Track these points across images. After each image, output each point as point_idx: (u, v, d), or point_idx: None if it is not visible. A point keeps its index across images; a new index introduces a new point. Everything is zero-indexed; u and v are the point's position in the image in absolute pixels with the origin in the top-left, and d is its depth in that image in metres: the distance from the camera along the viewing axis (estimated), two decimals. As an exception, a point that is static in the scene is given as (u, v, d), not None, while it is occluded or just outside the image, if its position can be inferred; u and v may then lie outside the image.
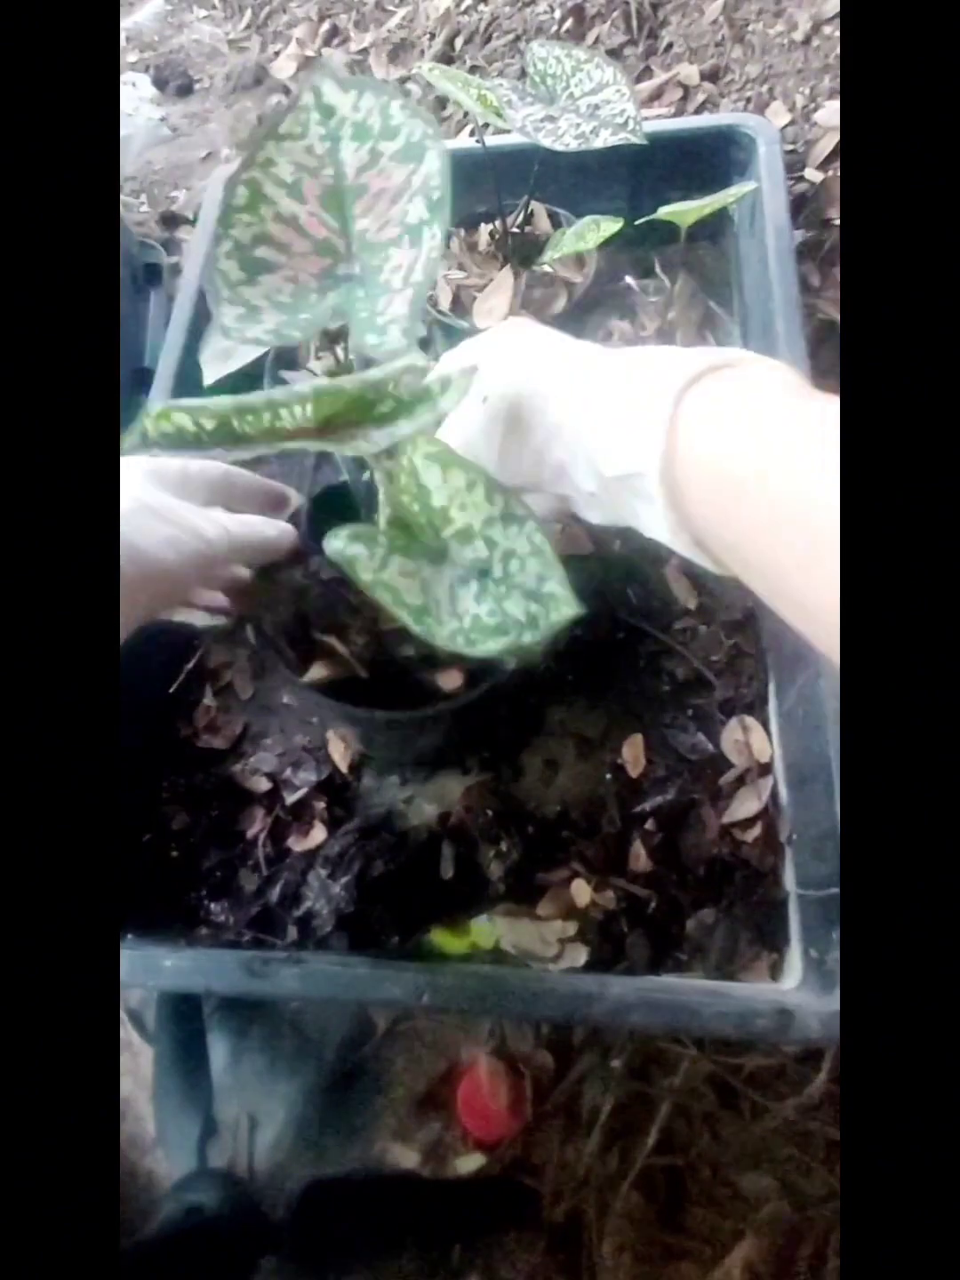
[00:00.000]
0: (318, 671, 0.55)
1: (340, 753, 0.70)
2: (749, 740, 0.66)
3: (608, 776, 0.67)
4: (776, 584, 0.36)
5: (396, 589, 0.41)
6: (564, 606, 0.40)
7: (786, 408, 0.36)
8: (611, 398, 0.42)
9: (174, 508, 0.45)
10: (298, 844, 0.68)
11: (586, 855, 0.64)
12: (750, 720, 0.67)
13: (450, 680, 0.56)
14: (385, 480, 0.44)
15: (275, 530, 0.51)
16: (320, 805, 0.69)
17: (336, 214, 0.45)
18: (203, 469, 0.49)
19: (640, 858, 0.63)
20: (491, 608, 0.41)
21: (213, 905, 0.67)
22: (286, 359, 0.75)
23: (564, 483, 0.47)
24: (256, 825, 0.69)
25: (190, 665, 0.76)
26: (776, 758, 0.65)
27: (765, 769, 0.65)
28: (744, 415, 0.36)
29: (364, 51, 1.17)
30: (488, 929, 0.62)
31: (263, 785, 0.70)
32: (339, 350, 0.72)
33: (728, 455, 0.36)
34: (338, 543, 0.41)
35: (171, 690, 0.75)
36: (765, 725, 0.67)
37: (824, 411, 0.34)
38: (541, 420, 0.45)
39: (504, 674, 0.54)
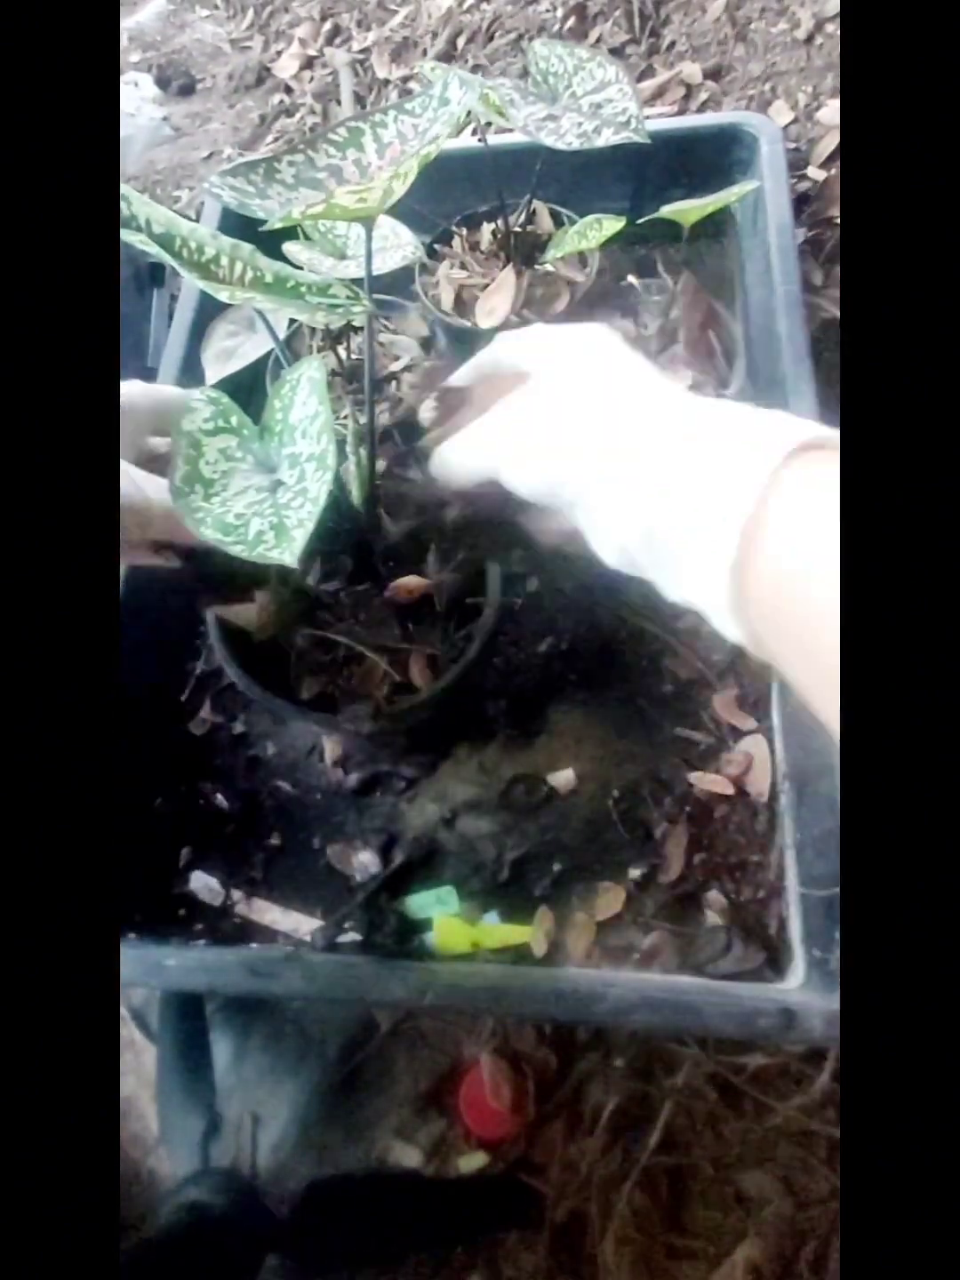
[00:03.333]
0: (308, 689, 0.56)
1: (333, 755, 0.70)
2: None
3: (611, 776, 0.67)
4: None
5: (200, 449, 0.43)
6: (286, 552, 0.39)
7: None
8: (663, 516, 0.36)
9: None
10: (302, 845, 0.68)
11: (587, 854, 0.64)
12: (753, 719, 0.67)
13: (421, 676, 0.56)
14: (276, 379, 0.46)
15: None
16: (323, 806, 0.69)
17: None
18: (142, 396, 0.51)
19: (643, 858, 0.63)
20: (243, 513, 0.41)
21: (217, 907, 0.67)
22: (290, 359, 0.75)
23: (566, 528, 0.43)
24: (260, 827, 0.69)
25: (197, 667, 0.76)
26: (779, 756, 0.65)
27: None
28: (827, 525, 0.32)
29: (366, 51, 1.17)
30: (507, 930, 0.62)
31: (266, 787, 0.71)
32: (341, 351, 0.72)
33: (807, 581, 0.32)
34: (195, 394, 0.44)
35: (182, 697, 0.75)
36: (768, 724, 0.67)
37: None
38: (569, 488, 0.41)
39: (459, 673, 0.55)
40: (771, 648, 0.35)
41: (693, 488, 0.36)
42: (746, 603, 0.34)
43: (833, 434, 0.34)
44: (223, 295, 0.42)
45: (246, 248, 0.46)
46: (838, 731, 0.29)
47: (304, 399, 0.43)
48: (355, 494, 0.54)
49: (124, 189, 0.43)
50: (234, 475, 0.43)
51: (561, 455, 0.41)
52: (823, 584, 0.31)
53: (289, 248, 0.61)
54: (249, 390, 0.75)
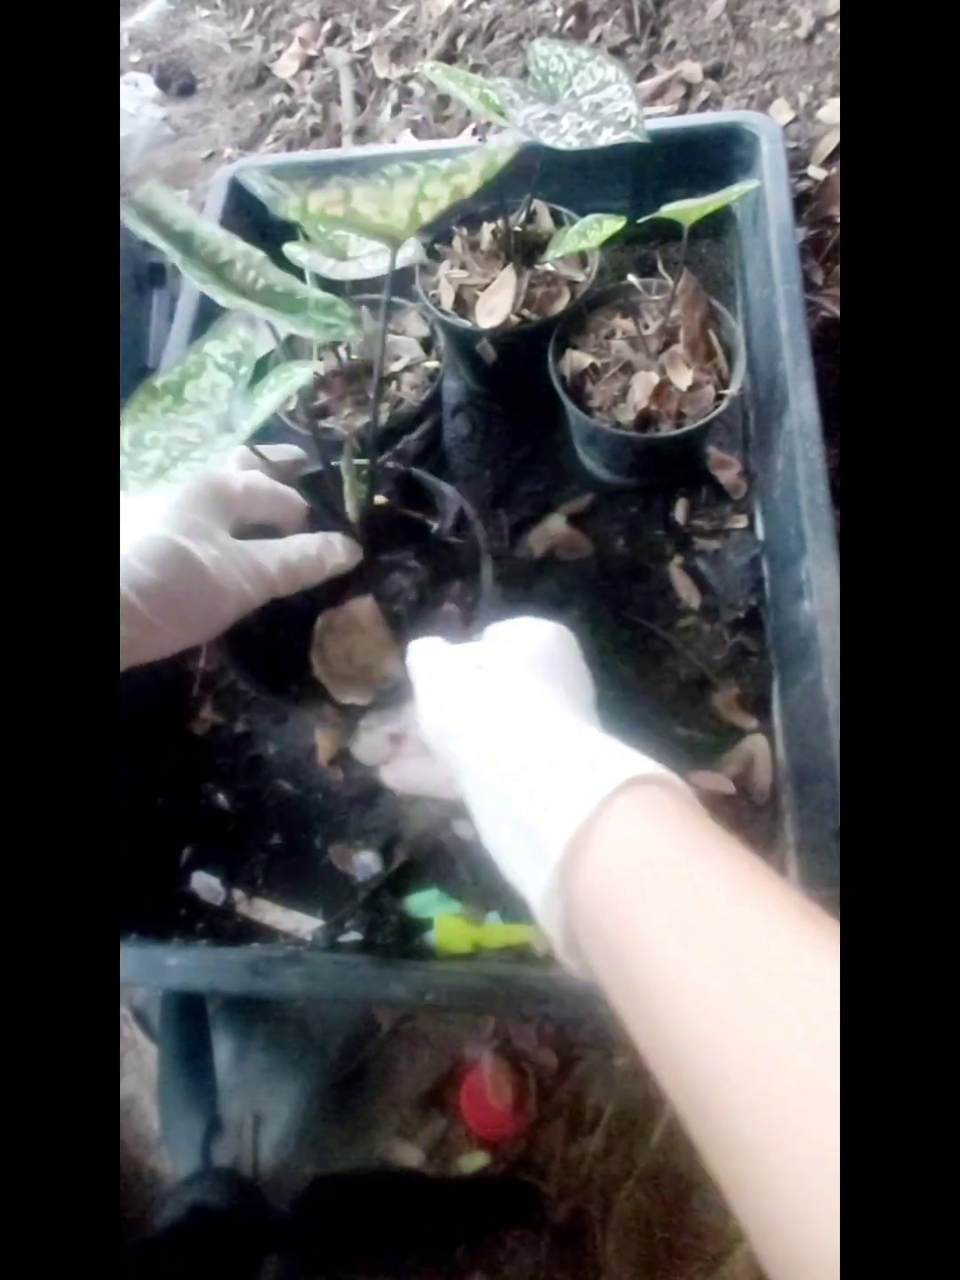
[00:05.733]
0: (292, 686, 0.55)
1: (326, 753, 0.70)
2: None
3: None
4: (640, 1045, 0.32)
5: (201, 371, 0.44)
6: (142, 487, 0.39)
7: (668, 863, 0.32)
8: (506, 818, 0.38)
9: (235, 551, 0.47)
10: (304, 845, 0.68)
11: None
12: (753, 719, 0.67)
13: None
14: None
15: (340, 553, 0.52)
16: (325, 806, 0.69)
17: None
18: (248, 486, 0.51)
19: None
20: (158, 439, 0.42)
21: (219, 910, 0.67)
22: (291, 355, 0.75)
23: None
24: (262, 827, 0.69)
25: (199, 666, 0.76)
26: (779, 756, 0.65)
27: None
28: (636, 867, 0.33)
29: (366, 51, 1.17)
30: (508, 930, 0.62)
31: (268, 786, 0.71)
32: (341, 351, 0.72)
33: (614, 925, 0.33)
34: (238, 325, 0.45)
35: (185, 691, 0.75)
36: (769, 724, 0.67)
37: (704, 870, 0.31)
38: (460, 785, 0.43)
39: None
40: (589, 962, 0.35)
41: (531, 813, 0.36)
42: (567, 920, 0.35)
43: (659, 772, 0.35)
44: (222, 299, 0.42)
45: (259, 255, 0.45)
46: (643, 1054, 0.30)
47: (272, 397, 0.43)
48: (350, 509, 0.53)
49: (150, 185, 0.43)
50: (197, 412, 0.43)
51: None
52: (630, 910, 0.31)
53: (289, 249, 0.61)
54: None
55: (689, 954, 0.29)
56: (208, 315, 0.78)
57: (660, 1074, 0.30)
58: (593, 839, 0.33)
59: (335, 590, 0.55)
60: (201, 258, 0.44)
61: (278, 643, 0.56)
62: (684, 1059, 0.28)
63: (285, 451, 0.57)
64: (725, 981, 0.28)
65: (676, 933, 0.30)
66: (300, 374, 0.43)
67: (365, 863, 0.66)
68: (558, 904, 0.34)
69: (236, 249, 0.45)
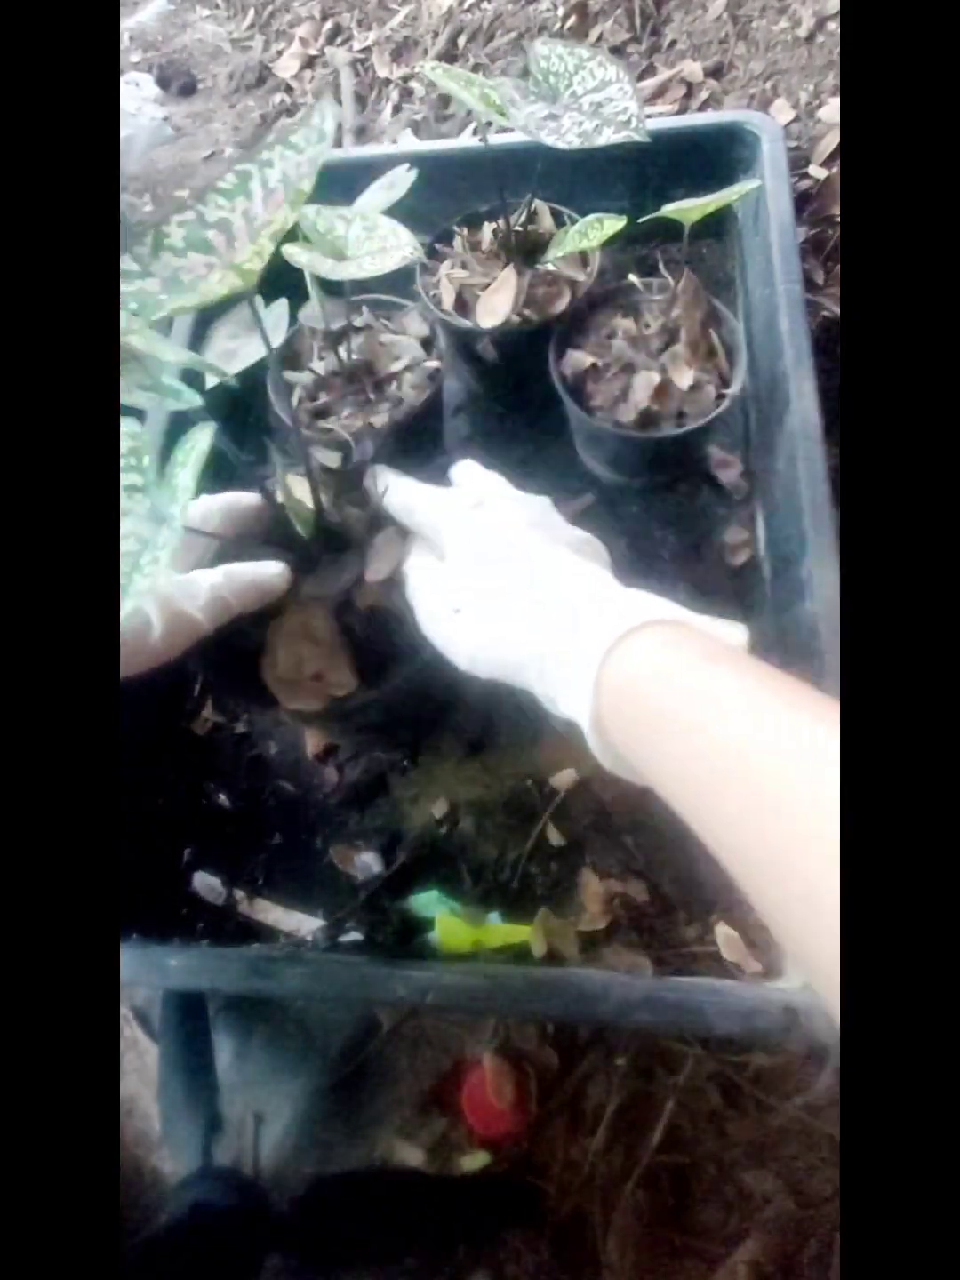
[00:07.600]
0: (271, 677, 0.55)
1: (315, 748, 0.70)
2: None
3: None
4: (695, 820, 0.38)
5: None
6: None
7: (698, 673, 0.38)
8: (548, 649, 0.43)
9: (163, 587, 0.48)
10: (304, 845, 0.68)
11: (594, 854, 0.64)
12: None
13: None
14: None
15: (270, 575, 0.52)
16: (325, 806, 0.69)
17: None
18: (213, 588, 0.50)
19: (646, 855, 0.63)
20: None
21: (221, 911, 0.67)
22: (291, 360, 0.75)
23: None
24: (263, 827, 0.69)
25: (199, 667, 0.76)
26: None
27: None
28: (664, 676, 0.39)
29: (366, 50, 1.17)
30: (508, 929, 0.62)
31: (268, 786, 0.71)
32: (342, 351, 0.72)
33: (649, 712, 0.39)
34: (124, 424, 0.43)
35: (185, 692, 0.75)
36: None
37: (729, 677, 0.37)
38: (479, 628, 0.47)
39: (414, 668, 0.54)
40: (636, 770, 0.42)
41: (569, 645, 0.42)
42: (605, 739, 0.42)
43: (679, 613, 0.43)
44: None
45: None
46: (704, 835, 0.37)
47: (187, 473, 0.41)
48: (301, 527, 0.53)
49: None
50: (126, 521, 0.42)
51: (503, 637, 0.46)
52: (662, 734, 0.38)
53: (288, 250, 0.61)
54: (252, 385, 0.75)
55: (717, 725, 0.35)
56: (208, 317, 0.78)
57: (694, 810, 0.38)
58: (627, 651, 0.40)
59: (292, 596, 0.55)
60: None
61: (240, 642, 0.56)
62: (713, 787, 0.36)
63: (236, 500, 0.55)
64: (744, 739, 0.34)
65: (704, 709, 0.36)
66: (203, 439, 0.42)
67: (366, 863, 0.66)
68: (590, 699, 0.40)
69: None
